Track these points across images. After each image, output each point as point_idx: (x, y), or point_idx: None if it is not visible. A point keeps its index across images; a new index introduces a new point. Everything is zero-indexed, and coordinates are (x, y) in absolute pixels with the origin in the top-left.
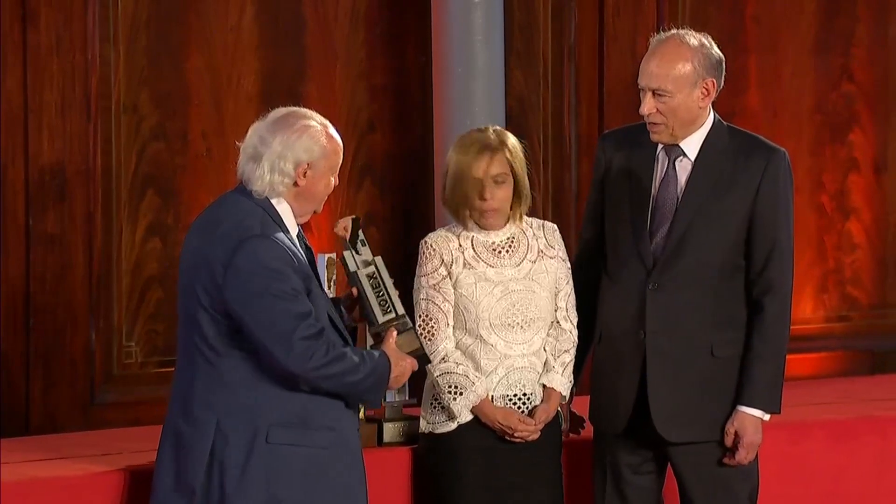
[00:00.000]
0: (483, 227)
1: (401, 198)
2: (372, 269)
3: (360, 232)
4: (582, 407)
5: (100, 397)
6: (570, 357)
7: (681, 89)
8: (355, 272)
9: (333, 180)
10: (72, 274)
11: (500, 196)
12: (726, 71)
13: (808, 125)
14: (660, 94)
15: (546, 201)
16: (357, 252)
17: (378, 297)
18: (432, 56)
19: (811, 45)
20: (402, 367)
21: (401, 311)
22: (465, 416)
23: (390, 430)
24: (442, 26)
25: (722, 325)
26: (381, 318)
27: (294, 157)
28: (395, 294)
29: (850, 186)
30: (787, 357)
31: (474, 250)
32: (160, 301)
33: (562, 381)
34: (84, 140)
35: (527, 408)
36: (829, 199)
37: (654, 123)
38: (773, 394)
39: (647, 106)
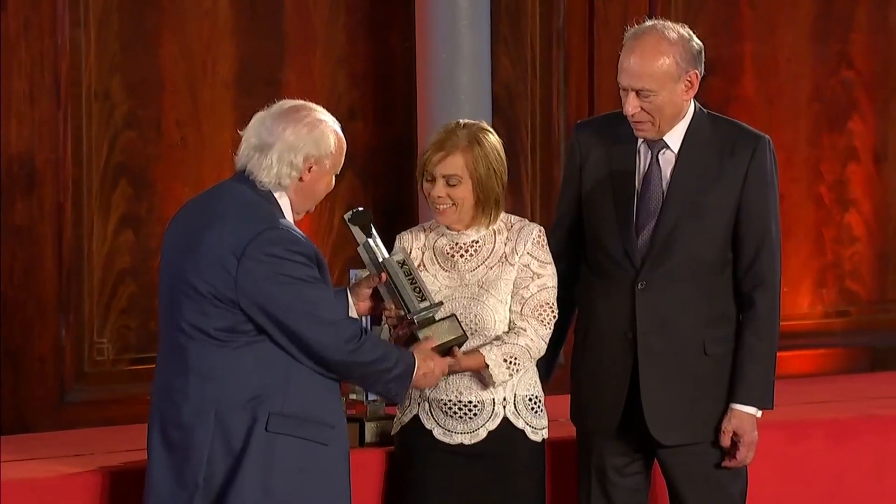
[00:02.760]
0: (443, 224)
1: (383, 189)
2: (401, 256)
3: (372, 225)
4: (556, 405)
5: (70, 396)
6: (519, 352)
7: (664, 86)
8: (387, 259)
9: (332, 181)
10: (41, 267)
11: (454, 195)
12: (721, 58)
13: (806, 114)
14: (644, 94)
15: (534, 190)
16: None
17: (412, 284)
18: (416, 42)
19: (809, 30)
20: (429, 366)
21: (435, 298)
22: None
23: (372, 430)
24: (426, 10)
25: (714, 322)
26: (418, 306)
27: (305, 150)
28: (424, 282)
29: (849, 177)
30: (784, 354)
31: (434, 252)
32: (133, 295)
33: (496, 359)
34: (54, 128)
35: (469, 418)
36: (827, 190)
37: (640, 122)
38: (767, 390)
39: (631, 106)
